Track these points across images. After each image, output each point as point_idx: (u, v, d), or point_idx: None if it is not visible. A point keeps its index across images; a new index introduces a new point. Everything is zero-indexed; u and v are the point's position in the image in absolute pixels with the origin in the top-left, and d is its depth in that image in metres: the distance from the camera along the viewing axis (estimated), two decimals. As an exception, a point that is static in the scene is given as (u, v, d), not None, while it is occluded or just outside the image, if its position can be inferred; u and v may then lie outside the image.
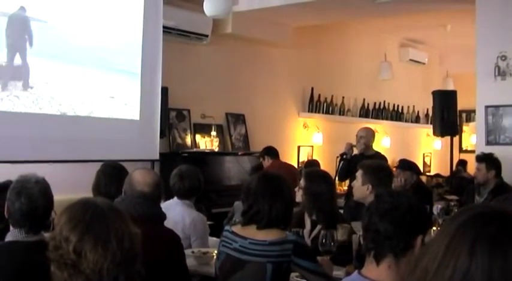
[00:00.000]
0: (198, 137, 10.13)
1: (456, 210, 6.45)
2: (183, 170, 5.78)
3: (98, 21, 8.14)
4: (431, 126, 10.26)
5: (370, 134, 8.63)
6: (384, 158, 8.30)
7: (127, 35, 8.48)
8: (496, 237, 1.48)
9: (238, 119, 10.91)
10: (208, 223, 5.94)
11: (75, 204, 2.59)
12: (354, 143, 8.61)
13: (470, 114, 15.27)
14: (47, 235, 3.55)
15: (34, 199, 3.65)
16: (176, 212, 5.42)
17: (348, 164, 8.16)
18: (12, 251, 3.58)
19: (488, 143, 8.40)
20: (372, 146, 8.62)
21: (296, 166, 11.00)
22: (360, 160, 7.40)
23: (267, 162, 9.27)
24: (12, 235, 3.70)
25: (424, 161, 15.78)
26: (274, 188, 4.09)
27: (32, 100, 7.46)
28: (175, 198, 5.69)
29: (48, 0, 7.67)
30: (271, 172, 4.80)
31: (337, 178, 8.40)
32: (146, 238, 2.66)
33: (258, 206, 3.99)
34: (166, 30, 9.00)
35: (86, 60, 8.01)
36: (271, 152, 9.41)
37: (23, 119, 7.37)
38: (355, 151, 8.55)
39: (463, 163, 13.23)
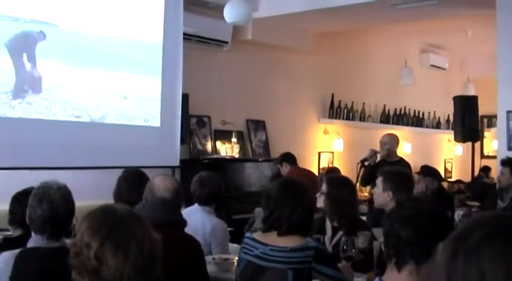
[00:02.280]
0: (218, 143, 10.14)
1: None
2: (204, 176, 5.79)
3: (116, 27, 8.17)
4: (453, 132, 10.22)
5: (393, 141, 8.61)
6: (407, 164, 8.27)
7: (147, 42, 8.50)
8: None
9: (259, 125, 10.91)
10: (229, 229, 5.93)
11: (96, 211, 2.60)
12: (377, 149, 8.59)
13: (491, 120, 15.19)
14: (68, 241, 3.57)
15: (55, 205, 3.67)
16: (197, 219, 5.42)
17: (371, 170, 8.12)
18: (34, 257, 3.60)
19: (510, 148, 8.33)
20: (396, 152, 8.60)
21: (316, 173, 10.98)
22: (384, 166, 7.39)
23: (285, 168, 9.21)
24: (34, 241, 3.72)
25: (445, 167, 15.72)
26: (295, 194, 4.08)
27: (45, 106, 7.48)
28: (195, 204, 5.69)
29: (65, 5, 7.70)
30: (292, 178, 4.78)
31: (358, 184, 8.38)
32: (167, 243, 2.67)
33: (279, 212, 3.99)
34: (187, 37, 9.02)
35: (104, 66, 8.04)
36: (289, 158, 9.35)
37: (45, 126, 7.42)
38: (378, 157, 8.53)
39: (486, 169, 13.14)
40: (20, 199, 4.45)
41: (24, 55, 7.34)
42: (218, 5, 8.68)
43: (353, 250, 4.45)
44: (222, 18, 8.11)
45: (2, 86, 7.15)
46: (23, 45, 7.36)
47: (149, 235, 2.54)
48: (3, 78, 7.16)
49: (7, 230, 5.42)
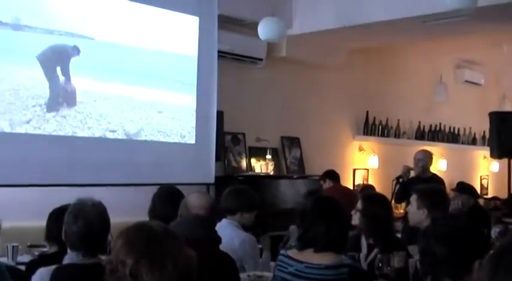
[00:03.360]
0: (253, 160, 10.15)
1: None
2: (231, 188, 5.81)
3: (151, 42, 8.22)
4: (489, 148, 10.15)
5: (427, 157, 8.58)
6: (440, 180, 8.23)
7: (182, 58, 8.54)
8: None
9: (293, 142, 10.90)
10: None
11: (131, 228, 2.61)
12: (411, 165, 8.56)
13: (528, 136, 15.05)
14: (103, 257, 3.58)
15: (91, 222, 3.69)
16: (225, 234, 5.41)
17: (405, 187, 8.09)
18: (69, 274, 3.63)
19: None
20: (429, 168, 8.57)
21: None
22: (417, 182, 7.35)
23: (327, 185, 9.20)
24: (70, 257, 3.74)
25: (481, 184, 15.57)
26: (330, 210, 4.08)
27: (80, 119, 7.48)
28: (223, 220, 5.64)
29: (100, 18, 7.77)
30: (325, 195, 4.78)
31: (393, 201, 8.34)
32: (202, 261, 2.67)
33: (316, 228, 3.98)
34: (221, 54, 9.04)
35: (138, 79, 8.08)
36: (332, 175, 9.32)
37: (80, 143, 7.46)
38: (412, 174, 8.50)
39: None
40: (57, 216, 4.48)
41: (58, 68, 7.37)
42: (252, 22, 8.71)
43: (388, 268, 4.42)
44: (257, 35, 8.13)
45: (36, 98, 7.15)
46: (56, 59, 7.39)
47: (184, 252, 2.54)
48: (38, 91, 7.17)
49: (43, 246, 5.48)
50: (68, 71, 7.43)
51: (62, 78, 7.39)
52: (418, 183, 7.37)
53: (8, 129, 6.91)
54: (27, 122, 7.07)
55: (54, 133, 7.26)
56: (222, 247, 4.46)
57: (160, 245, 2.51)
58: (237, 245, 5.39)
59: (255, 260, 5.56)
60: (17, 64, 7.08)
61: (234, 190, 5.78)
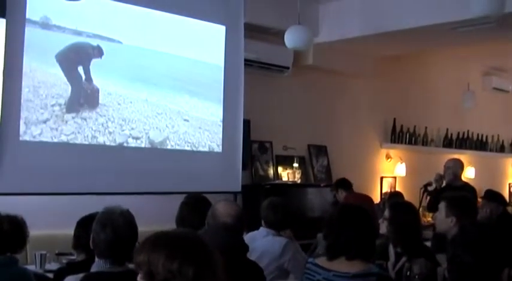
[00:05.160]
0: (280, 169, 10.14)
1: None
2: (275, 201, 5.81)
3: (178, 50, 8.26)
4: (517, 155, 10.08)
5: (458, 165, 8.53)
6: (472, 189, 8.17)
7: (208, 68, 8.57)
8: None
9: (321, 150, 10.88)
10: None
11: (174, 237, 2.54)
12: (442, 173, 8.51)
13: (556, 143, 14.96)
14: (131, 266, 3.60)
15: (119, 230, 3.70)
16: (264, 242, 5.42)
17: (437, 196, 8.03)
18: (98, 282, 3.64)
19: None
20: (460, 177, 8.51)
21: (379, 198, 10.91)
22: (449, 191, 7.30)
23: (340, 195, 9.11)
24: (98, 265, 3.76)
25: (510, 192, 15.46)
26: (358, 216, 4.05)
27: (101, 123, 7.41)
28: (261, 228, 5.67)
29: (129, 22, 7.80)
30: (351, 204, 4.76)
31: (421, 209, 8.29)
32: (229, 269, 2.67)
33: (347, 234, 3.95)
34: (248, 62, 9.04)
35: (165, 86, 8.10)
36: (344, 184, 9.22)
37: (108, 151, 7.49)
38: (444, 183, 8.45)
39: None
40: (85, 224, 4.50)
41: (79, 68, 7.31)
42: (279, 30, 8.70)
43: (416, 277, 4.40)
44: (283, 44, 8.12)
45: (57, 97, 7.08)
46: (76, 59, 7.34)
47: (213, 258, 2.53)
48: (59, 90, 7.10)
49: (71, 254, 5.51)
50: (88, 71, 7.38)
51: (83, 78, 7.34)
52: (450, 191, 7.33)
53: (22, 128, 6.82)
54: (44, 122, 6.98)
55: (72, 136, 7.17)
56: (259, 254, 4.46)
57: (211, 254, 2.50)
58: (277, 249, 5.39)
59: (300, 263, 5.53)
60: (41, 62, 7.02)
61: (280, 206, 5.81)
